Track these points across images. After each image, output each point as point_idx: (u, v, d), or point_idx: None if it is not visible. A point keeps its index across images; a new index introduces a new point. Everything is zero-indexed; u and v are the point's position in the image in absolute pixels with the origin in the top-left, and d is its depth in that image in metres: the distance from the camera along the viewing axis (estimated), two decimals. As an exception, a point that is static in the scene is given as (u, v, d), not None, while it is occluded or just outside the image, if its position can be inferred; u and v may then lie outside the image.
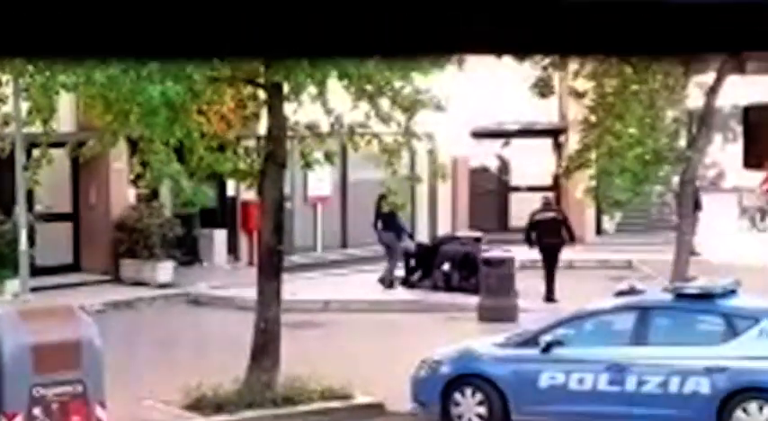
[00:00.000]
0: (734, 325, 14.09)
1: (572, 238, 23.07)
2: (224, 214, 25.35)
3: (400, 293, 23.25)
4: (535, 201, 29.42)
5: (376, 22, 2.19)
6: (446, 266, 23.33)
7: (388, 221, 23.39)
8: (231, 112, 16.16)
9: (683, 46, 2.35)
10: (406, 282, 23.68)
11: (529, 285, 21.98)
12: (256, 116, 16.48)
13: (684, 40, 2.30)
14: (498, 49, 2.47)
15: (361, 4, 2.19)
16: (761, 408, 13.54)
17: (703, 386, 13.67)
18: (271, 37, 2.19)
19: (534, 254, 23.59)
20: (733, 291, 14.63)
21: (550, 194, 25.01)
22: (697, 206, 25.19)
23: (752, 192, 29.41)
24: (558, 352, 14.28)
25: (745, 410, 13.56)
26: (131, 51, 2.26)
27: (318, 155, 16.03)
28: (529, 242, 22.79)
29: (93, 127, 17.38)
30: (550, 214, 22.96)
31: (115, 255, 23.67)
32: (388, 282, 23.52)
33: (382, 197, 17.46)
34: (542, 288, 22.42)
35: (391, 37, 2.21)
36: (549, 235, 22.58)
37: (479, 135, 28.25)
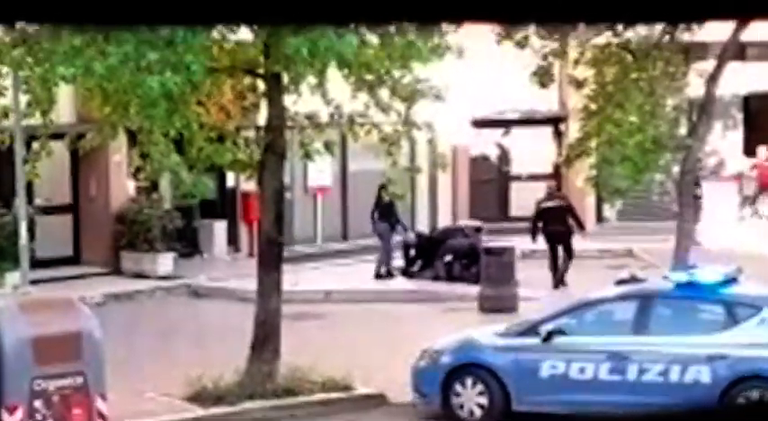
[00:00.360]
0: (735, 313, 14.08)
1: (580, 226, 23.15)
2: (224, 205, 25.32)
3: (401, 284, 23.24)
4: (535, 189, 29.41)
5: None
6: (447, 256, 23.31)
7: (385, 212, 23.36)
8: (230, 103, 16.13)
9: (676, 11, 2.32)
10: (406, 273, 23.67)
11: (529, 275, 21.96)
12: (256, 107, 16.44)
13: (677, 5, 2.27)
14: (487, 18, 2.44)
15: None
16: (762, 397, 13.53)
17: (704, 374, 13.65)
18: (264, 3, 2.17)
19: (534, 243, 23.55)
20: (734, 279, 14.62)
21: (554, 183, 25.01)
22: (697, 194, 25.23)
23: (753, 180, 29.38)
24: (558, 341, 14.27)
25: (746, 399, 13.55)
26: (128, 18, 2.25)
27: (318, 145, 16.00)
28: (533, 233, 22.82)
29: (92, 119, 17.36)
30: (556, 202, 23.02)
31: (115, 248, 23.65)
32: (385, 272, 23.48)
33: (383, 187, 17.43)
34: (542, 277, 22.42)
35: (388, 4, 2.18)
36: (555, 222, 22.67)
37: (479, 124, 28.21)
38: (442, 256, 23.33)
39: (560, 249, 22.85)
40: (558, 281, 22.51)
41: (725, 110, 28.09)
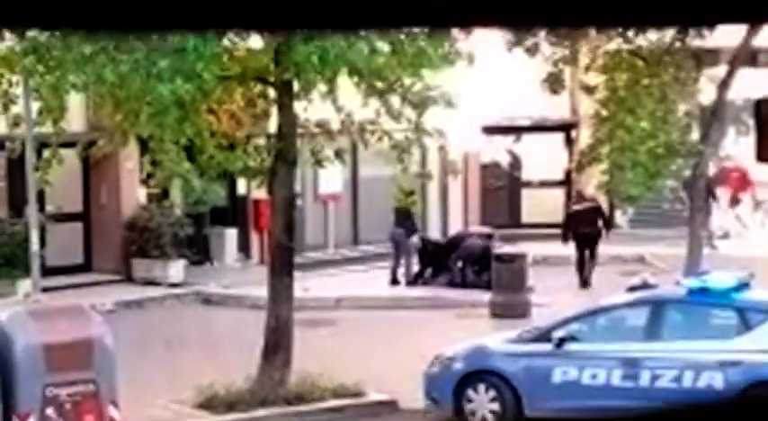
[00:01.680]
0: (747, 318, 14.04)
1: (607, 227, 23.37)
2: (235, 213, 25.33)
3: (412, 290, 23.22)
4: (547, 196, 29.41)
5: None
6: (458, 263, 23.30)
7: (402, 218, 23.37)
8: (241, 111, 16.14)
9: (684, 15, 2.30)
10: (417, 279, 23.63)
11: (541, 281, 21.93)
12: (266, 114, 16.46)
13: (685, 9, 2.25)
14: (496, 22, 2.44)
15: None
16: (775, 402, 13.48)
17: (717, 380, 13.61)
18: (273, 10, 2.16)
19: (546, 249, 23.55)
20: (746, 285, 14.57)
21: (581, 185, 25.20)
22: (713, 196, 25.33)
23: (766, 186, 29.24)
24: (570, 347, 14.24)
25: (759, 405, 13.50)
26: (140, 25, 2.24)
27: (329, 152, 15.99)
28: (565, 236, 23.01)
29: (103, 127, 17.38)
30: (587, 204, 23.25)
31: (126, 255, 23.67)
32: (411, 277, 23.45)
33: (410, 193, 17.40)
34: (554, 283, 22.40)
35: (392, 8, 2.17)
36: (585, 225, 23.03)
37: (490, 131, 28.20)
38: (453, 263, 23.31)
39: (587, 252, 23.09)
40: (585, 282, 22.68)
41: (737, 115, 28.02)
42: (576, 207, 23.36)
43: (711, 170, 25.09)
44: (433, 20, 2.32)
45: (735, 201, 28.12)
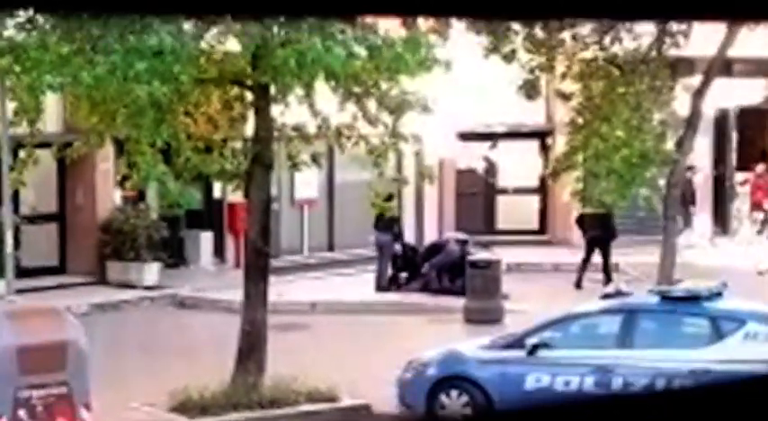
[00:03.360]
0: (720, 327, 14.11)
1: (610, 234, 23.71)
2: (210, 216, 25.29)
3: (387, 295, 23.22)
4: (522, 203, 29.47)
5: None
6: (433, 268, 23.32)
7: (385, 223, 23.32)
8: (218, 114, 16.13)
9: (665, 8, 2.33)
10: (392, 284, 23.65)
11: (515, 287, 21.99)
12: (243, 117, 16.45)
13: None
14: (476, 13, 2.47)
15: None
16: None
17: (689, 388, 13.68)
18: None
19: (520, 255, 23.58)
20: (719, 294, 14.65)
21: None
22: (692, 201, 25.56)
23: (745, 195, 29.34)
24: (543, 354, 14.29)
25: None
26: (129, 5, 2.26)
27: (305, 156, 16.01)
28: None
29: (79, 128, 17.35)
30: (597, 209, 23.57)
31: (101, 257, 23.60)
32: (385, 283, 23.47)
33: (388, 198, 17.39)
34: (528, 290, 22.48)
35: None
36: (595, 228, 23.43)
37: (466, 137, 28.25)
38: (429, 269, 23.34)
39: (597, 255, 23.66)
40: (608, 279, 22.95)
41: (712, 125, 28.15)
42: (586, 210, 23.57)
43: (692, 177, 25.22)
44: (411, 7, 2.35)
45: (757, 207, 28.25)
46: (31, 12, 13.07)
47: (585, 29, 19.57)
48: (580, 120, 19.67)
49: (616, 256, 26.18)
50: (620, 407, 2.89)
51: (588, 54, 19.68)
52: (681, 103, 20.17)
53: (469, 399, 14.47)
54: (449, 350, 15.14)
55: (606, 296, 16.01)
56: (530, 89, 20.12)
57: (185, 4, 2.28)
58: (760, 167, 28.40)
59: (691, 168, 24.79)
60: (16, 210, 20.57)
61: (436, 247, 23.97)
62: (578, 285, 23.19)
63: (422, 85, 15.81)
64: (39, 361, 11.96)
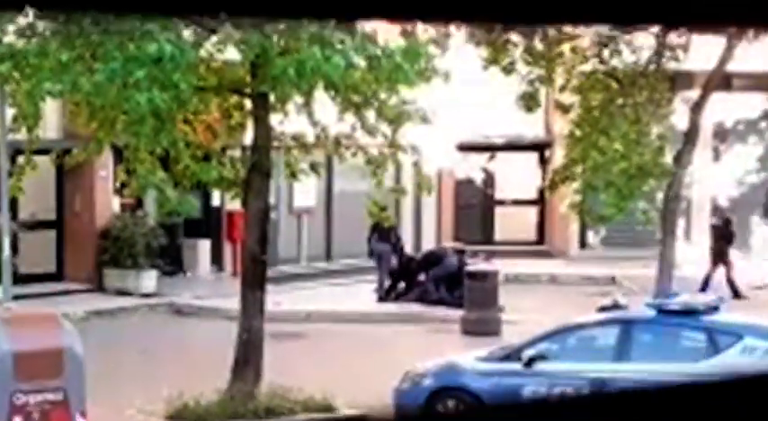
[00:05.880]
0: (716, 341, 14.10)
1: (728, 241, 24.06)
2: (208, 224, 25.31)
3: (384, 305, 23.23)
4: (519, 215, 29.49)
5: None
6: (430, 279, 23.33)
7: (386, 233, 23.33)
8: (217, 122, 16.15)
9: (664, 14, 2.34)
10: (390, 294, 23.66)
11: (512, 299, 21.98)
12: (242, 126, 16.46)
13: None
14: (472, 19, 2.48)
15: None
16: None
17: (685, 402, 13.66)
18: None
19: (518, 267, 23.55)
20: (716, 308, 14.65)
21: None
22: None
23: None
24: (540, 366, 14.28)
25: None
26: (126, 5, 2.26)
27: (304, 165, 16.01)
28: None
29: (78, 135, 17.36)
30: (721, 219, 24.43)
31: (99, 264, 23.60)
32: (382, 293, 23.48)
33: (384, 209, 17.45)
34: (524, 303, 22.49)
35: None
36: (716, 239, 24.00)
37: (465, 148, 28.27)
38: (425, 279, 23.34)
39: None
40: (735, 292, 23.11)
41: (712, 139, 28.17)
42: (713, 221, 24.18)
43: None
44: (414, 12, 2.35)
45: None
46: (31, 15, 13.10)
47: (585, 41, 19.60)
48: (579, 133, 19.69)
49: (613, 269, 26.19)
50: (616, 404, 2.89)
51: (587, 67, 19.70)
52: (679, 117, 20.20)
53: (465, 410, 14.45)
54: (446, 361, 15.13)
55: (603, 308, 16.02)
56: (528, 101, 20.15)
57: (183, 5, 2.28)
58: None
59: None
60: (14, 216, 20.57)
61: (433, 256, 23.98)
62: (736, 294, 22.98)
63: (421, 96, 15.82)
64: (35, 367, 11.94)
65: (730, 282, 23.46)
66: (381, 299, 23.42)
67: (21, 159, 15.79)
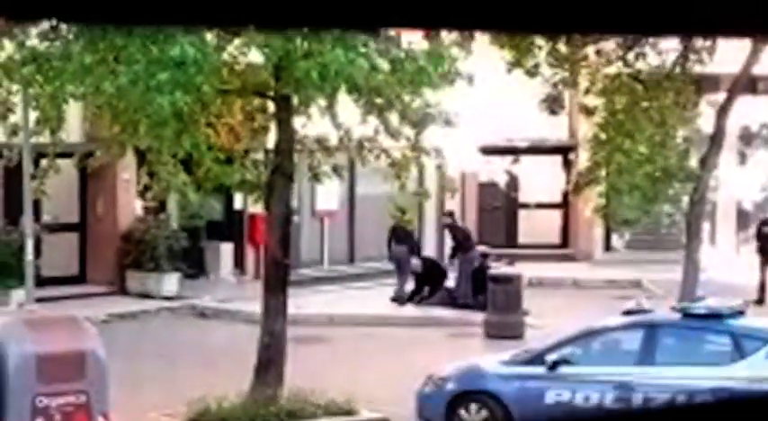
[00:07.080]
0: (741, 345, 14.01)
1: None
2: (231, 227, 25.30)
3: (407, 309, 23.18)
4: (543, 218, 29.40)
5: None
6: (454, 282, 23.28)
7: (403, 236, 23.31)
8: (240, 125, 16.12)
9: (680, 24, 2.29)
10: (413, 298, 23.61)
11: (535, 302, 21.89)
12: (265, 129, 16.43)
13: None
14: (489, 26, 2.44)
15: None
16: None
17: (710, 406, 13.56)
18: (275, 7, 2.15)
19: (541, 271, 23.41)
20: (741, 312, 14.55)
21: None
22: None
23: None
24: (564, 370, 14.20)
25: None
26: (146, 17, 2.23)
27: (326, 168, 15.97)
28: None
29: (101, 137, 17.36)
30: None
31: (121, 267, 23.62)
32: (401, 299, 23.43)
33: (403, 212, 17.42)
34: (547, 307, 22.40)
35: (389, 7, 2.16)
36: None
37: (489, 151, 28.19)
38: (455, 283, 23.30)
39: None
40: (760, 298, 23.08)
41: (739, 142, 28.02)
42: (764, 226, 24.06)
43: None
44: (431, 21, 2.32)
45: None
46: (54, 22, 13.11)
47: (610, 44, 19.50)
48: (603, 136, 19.58)
49: (638, 273, 26.05)
50: None
51: (612, 69, 19.60)
52: (705, 120, 20.07)
53: (489, 414, 14.39)
54: (468, 365, 15.07)
55: (628, 312, 15.92)
56: (553, 104, 20.07)
57: (207, 17, 2.24)
58: None
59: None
60: (38, 218, 20.60)
61: (451, 259, 23.91)
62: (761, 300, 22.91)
63: (444, 99, 15.75)
64: (57, 369, 11.94)
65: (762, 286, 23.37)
66: (399, 302, 23.35)
67: (44, 162, 15.79)
